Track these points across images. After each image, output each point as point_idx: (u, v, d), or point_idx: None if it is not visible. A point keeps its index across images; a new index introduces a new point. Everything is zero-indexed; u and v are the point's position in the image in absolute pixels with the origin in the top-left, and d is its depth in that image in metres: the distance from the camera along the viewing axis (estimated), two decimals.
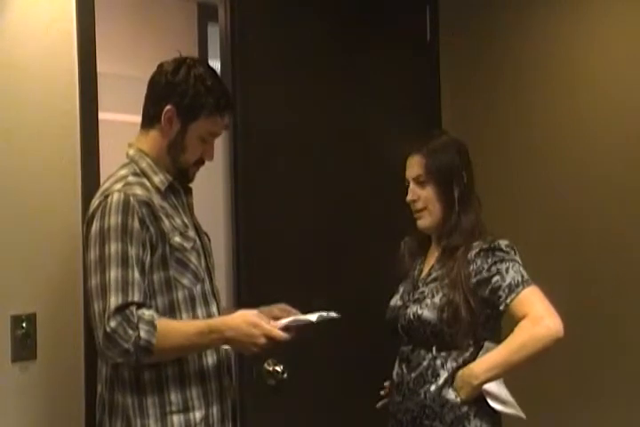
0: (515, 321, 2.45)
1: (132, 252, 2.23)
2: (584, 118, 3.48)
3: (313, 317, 2.34)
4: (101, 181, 2.61)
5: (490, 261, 2.50)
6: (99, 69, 2.68)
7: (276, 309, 2.46)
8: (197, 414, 2.32)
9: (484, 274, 2.49)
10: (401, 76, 3.67)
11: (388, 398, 2.65)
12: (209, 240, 2.50)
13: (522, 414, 2.52)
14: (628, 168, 3.36)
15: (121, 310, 2.17)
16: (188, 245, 2.35)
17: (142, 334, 2.17)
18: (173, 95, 2.36)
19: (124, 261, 2.21)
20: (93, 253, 2.24)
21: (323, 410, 3.29)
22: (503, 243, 2.53)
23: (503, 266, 2.48)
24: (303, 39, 3.36)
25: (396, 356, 2.72)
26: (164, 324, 2.22)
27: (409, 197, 2.62)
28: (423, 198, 2.59)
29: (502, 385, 2.52)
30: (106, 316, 2.17)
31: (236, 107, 2.50)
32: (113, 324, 2.16)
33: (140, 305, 2.21)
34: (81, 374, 2.56)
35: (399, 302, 2.63)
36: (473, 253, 2.52)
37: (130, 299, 2.19)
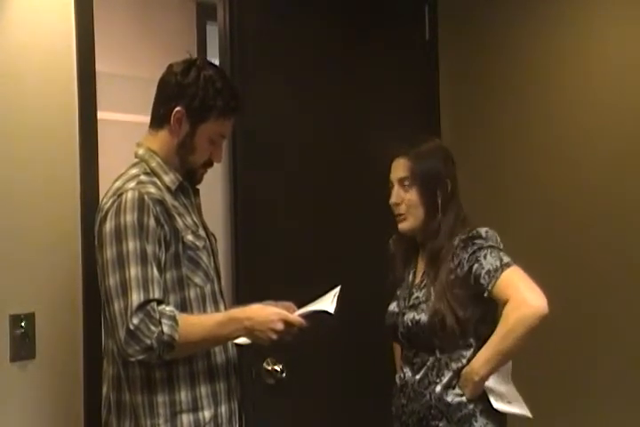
0: (501, 306, 2.45)
1: (150, 249, 2.23)
2: (585, 118, 3.47)
3: (329, 307, 2.32)
4: (100, 180, 2.61)
5: (469, 250, 2.50)
6: (97, 69, 2.68)
7: (281, 306, 2.46)
8: (207, 414, 2.32)
9: (466, 265, 2.49)
10: (400, 75, 3.67)
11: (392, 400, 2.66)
12: (215, 240, 2.51)
13: (527, 413, 2.51)
14: (627, 166, 3.37)
15: (142, 306, 2.18)
16: (199, 244, 2.36)
17: (165, 329, 2.17)
18: (183, 97, 2.36)
19: (143, 259, 2.22)
20: (110, 252, 2.23)
21: (322, 409, 3.29)
22: (482, 230, 2.53)
23: (481, 253, 2.48)
24: (302, 39, 3.36)
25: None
26: (185, 318, 2.23)
27: (392, 200, 2.61)
28: (407, 201, 2.59)
29: (510, 383, 2.52)
30: (128, 313, 2.17)
31: (244, 108, 2.50)
32: (135, 321, 2.16)
33: (159, 302, 2.21)
34: (80, 373, 2.56)
35: (396, 309, 2.64)
36: (454, 245, 2.53)
37: (151, 296, 2.19)
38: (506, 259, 2.48)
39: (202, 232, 2.40)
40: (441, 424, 2.49)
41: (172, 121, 2.36)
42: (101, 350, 2.39)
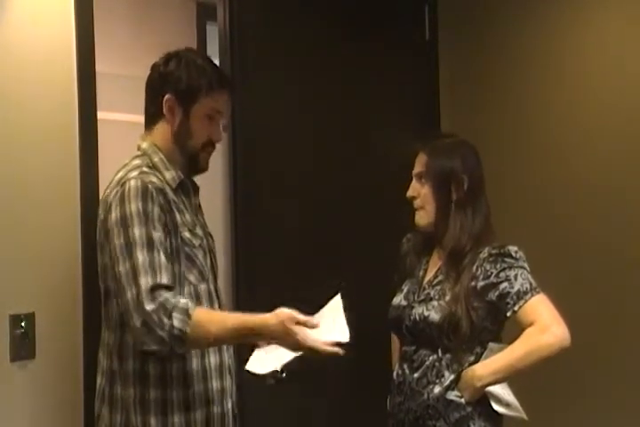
0: (521, 328, 2.44)
1: (156, 236, 2.22)
2: (585, 118, 3.47)
3: (344, 336, 2.28)
4: (100, 180, 2.61)
5: (499, 266, 2.48)
6: (97, 69, 2.68)
7: None
8: (198, 414, 2.31)
9: (492, 279, 2.47)
10: (400, 75, 3.68)
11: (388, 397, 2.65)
12: (212, 240, 2.50)
13: (524, 416, 2.51)
14: (627, 166, 3.37)
15: (153, 293, 2.15)
16: (196, 242, 2.35)
17: (176, 323, 2.14)
18: (169, 84, 2.36)
19: (150, 245, 2.20)
20: (118, 241, 2.22)
21: (322, 410, 3.29)
22: (512, 249, 2.50)
23: (512, 273, 2.47)
24: (302, 39, 3.36)
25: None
26: (201, 314, 2.19)
27: (408, 193, 2.61)
28: (422, 196, 2.58)
29: (506, 387, 2.52)
30: (140, 301, 2.14)
31: (234, 84, 2.50)
32: (149, 308, 2.13)
33: (169, 288, 2.18)
34: (79, 373, 2.56)
35: (404, 302, 2.62)
36: (481, 257, 2.51)
37: (159, 280, 2.17)
38: (534, 283, 2.47)
39: (199, 231, 2.39)
40: (438, 424, 2.49)
41: (164, 110, 2.36)
42: None
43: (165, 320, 2.14)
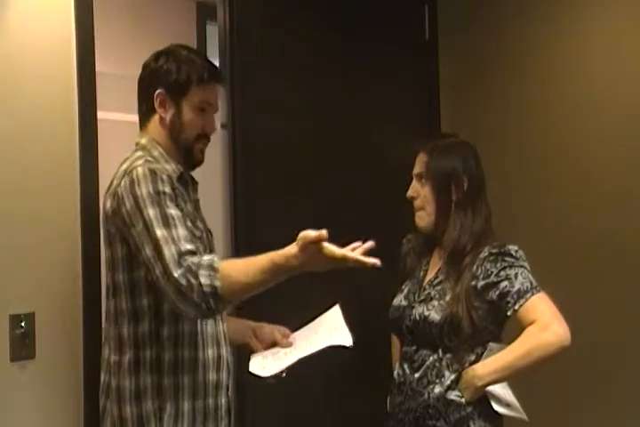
0: (522, 327, 2.44)
1: (170, 211, 2.22)
2: (587, 118, 3.47)
3: (347, 340, 2.31)
4: (100, 180, 2.61)
5: (499, 265, 2.48)
6: (97, 69, 2.68)
7: (277, 332, 2.46)
8: (199, 403, 2.33)
9: (493, 278, 2.47)
10: (400, 75, 3.68)
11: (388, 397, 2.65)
12: (212, 236, 2.50)
13: (524, 417, 2.51)
14: (629, 166, 3.36)
15: (179, 260, 2.15)
16: (197, 233, 2.35)
17: (203, 280, 2.12)
18: (159, 79, 2.38)
19: (165, 222, 2.20)
20: (137, 228, 2.22)
21: (322, 409, 3.29)
22: (512, 248, 2.51)
23: (512, 272, 2.47)
24: (302, 38, 3.36)
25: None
26: (227, 264, 2.18)
27: (408, 193, 2.61)
28: (422, 197, 2.59)
29: (507, 387, 2.52)
30: (168, 271, 2.14)
31: (224, 76, 2.51)
32: (176, 274, 2.13)
33: (194, 253, 2.18)
34: (80, 373, 2.56)
35: (404, 302, 2.62)
36: (482, 257, 2.51)
37: (182, 248, 2.16)
38: (535, 282, 2.47)
39: (200, 224, 2.40)
40: (438, 424, 2.49)
41: (156, 105, 2.37)
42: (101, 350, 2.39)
43: (193, 281, 2.13)
